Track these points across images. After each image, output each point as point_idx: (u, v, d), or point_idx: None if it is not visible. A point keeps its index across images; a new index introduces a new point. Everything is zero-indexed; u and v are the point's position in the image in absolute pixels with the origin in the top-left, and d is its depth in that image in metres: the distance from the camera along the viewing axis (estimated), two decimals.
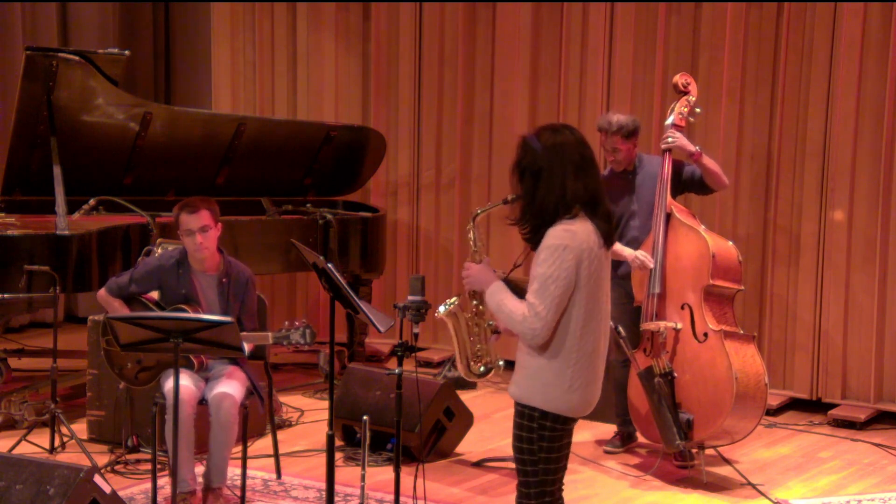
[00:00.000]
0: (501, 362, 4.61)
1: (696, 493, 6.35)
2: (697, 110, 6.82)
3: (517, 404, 4.31)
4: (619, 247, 6.56)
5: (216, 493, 5.84)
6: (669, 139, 6.61)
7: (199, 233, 5.86)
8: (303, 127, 8.46)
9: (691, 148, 6.60)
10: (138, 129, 7.67)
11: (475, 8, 8.68)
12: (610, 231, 4.28)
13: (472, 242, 4.56)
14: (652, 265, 6.50)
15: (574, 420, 4.31)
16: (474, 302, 4.56)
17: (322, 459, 5.74)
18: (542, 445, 4.26)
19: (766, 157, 7.83)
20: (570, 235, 4.17)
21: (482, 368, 4.62)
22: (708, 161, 6.64)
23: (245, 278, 6.03)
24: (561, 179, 4.19)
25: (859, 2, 7.47)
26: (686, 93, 6.79)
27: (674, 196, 6.66)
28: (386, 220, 8.59)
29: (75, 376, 7.41)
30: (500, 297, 4.27)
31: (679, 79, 6.83)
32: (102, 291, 6.11)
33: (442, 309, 4.59)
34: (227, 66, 9.29)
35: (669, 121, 6.73)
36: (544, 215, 4.21)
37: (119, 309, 5.99)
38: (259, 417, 6.53)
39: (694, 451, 6.54)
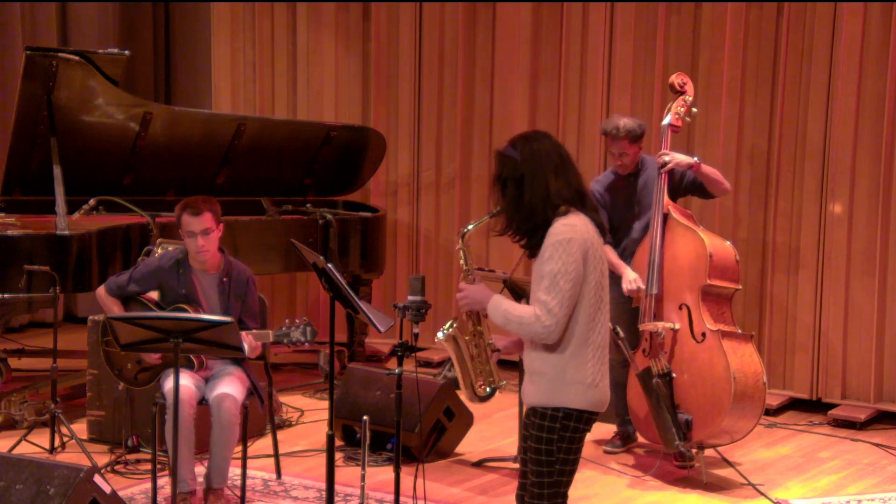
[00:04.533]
0: (504, 382, 4.58)
1: (695, 493, 6.35)
2: (694, 110, 6.82)
3: (537, 409, 4.30)
4: (621, 265, 6.57)
5: (217, 494, 5.85)
6: (666, 158, 6.58)
7: (201, 235, 5.86)
8: (303, 127, 8.46)
9: (690, 161, 6.59)
10: (138, 129, 7.67)
11: (475, 8, 8.68)
12: (601, 222, 4.35)
13: (462, 262, 4.52)
14: (643, 287, 6.51)
15: (595, 417, 4.33)
16: (471, 323, 4.53)
17: (322, 459, 5.74)
18: (561, 446, 4.27)
19: (766, 157, 7.83)
20: (571, 229, 4.21)
21: (488, 390, 4.57)
22: (707, 169, 6.64)
23: (245, 278, 6.03)
24: (543, 181, 4.25)
25: (859, 2, 7.47)
26: (682, 93, 6.78)
27: (675, 199, 6.67)
28: (386, 220, 8.59)
29: (75, 376, 7.41)
30: (504, 308, 4.28)
31: (675, 79, 6.82)
32: (101, 290, 6.12)
33: (441, 335, 4.53)
34: (227, 66, 9.29)
35: (666, 121, 6.72)
36: (534, 219, 4.26)
37: (115, 310, 5.99)
38: (259, 417, 6.53)
39: (693, 451, 6.54)
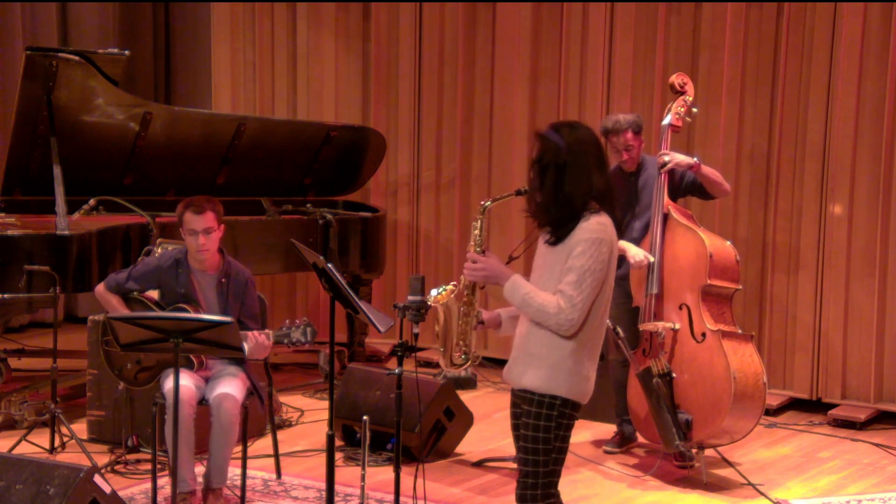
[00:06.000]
0: (479, 355, 4.62)
1: (695, 493, 6.35)
2: (694, 110, 6.82)
3: (535, 396, 4.32)
4: (622, 243, 6.55)
5: (216, 494, 5.85)
6: (666, 157, 6.57)
7: (203, 234, 5.87)
8: (303, 127, 8.46)
9: (690, 161, 6.59)
10: (138, 129, 7.68)
11: (475, 8, 8.69)
12: (618, 222, 4.40)
13: (477, 233, 4.54)
14: (650, 260, 6.49)
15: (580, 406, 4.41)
16: (467, 292, 4.56)
17: (322, 459, 5.75)
18: (558, 434, 4.32)
19: (766, 157, 7.83)
20: (604, 228, 4.27)
21: (463, 357, 4.62)
22: (707, 170, 6.64)
23: (244, 278, 6.03)
24: (587, 173, 4.27)
25: (859, 2, 7.47)
26: (683, 93, 6.78)
27: (675, 199, 6.67)
28: (386, 220, 8.60)
29: (75, 376, 7.41)
30: (524, 291, 4.30)
31: (675, 79, 6.82)
32: (101, 287, 6.12)
33: (435, 293, 4.57)
34: (227, 66, 9.30)
35: (666, 121, 6.72)
36: (571, 209, 4.27)
37: (117, 306, 6.00)
38: (259, 417, 6.53)
39: (694, 451, 6.54)
